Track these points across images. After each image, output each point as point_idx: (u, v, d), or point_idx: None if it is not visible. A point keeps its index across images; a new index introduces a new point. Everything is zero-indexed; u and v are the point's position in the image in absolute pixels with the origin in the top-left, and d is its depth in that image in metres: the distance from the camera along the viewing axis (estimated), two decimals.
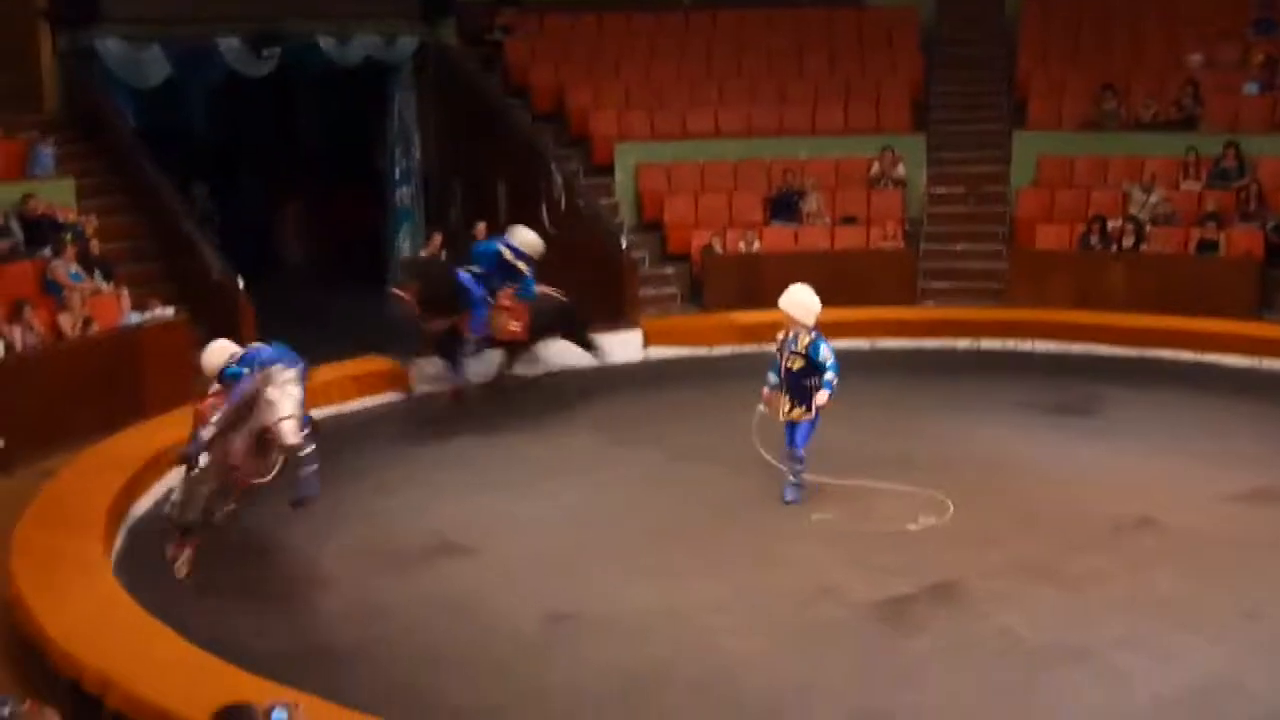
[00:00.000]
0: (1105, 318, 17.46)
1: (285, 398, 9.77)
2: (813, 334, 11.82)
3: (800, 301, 11.93)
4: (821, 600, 9.94)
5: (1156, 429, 13.89)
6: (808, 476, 11.90)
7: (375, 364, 15.83)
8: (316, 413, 12.56)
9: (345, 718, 7.56)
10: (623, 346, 17.36)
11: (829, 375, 11.63)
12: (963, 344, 17.65)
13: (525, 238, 15.83)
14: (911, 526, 11.23)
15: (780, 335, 12.04)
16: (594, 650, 9.26)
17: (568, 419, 14.89)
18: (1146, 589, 9.93)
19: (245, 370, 10.29)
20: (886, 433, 13.69)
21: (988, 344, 17.64)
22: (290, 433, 9.74)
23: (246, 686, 7.48)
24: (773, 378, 12.00)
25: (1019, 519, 11.33)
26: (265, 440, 9.98)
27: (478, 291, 15.10)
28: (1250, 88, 20.38)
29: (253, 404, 9.92)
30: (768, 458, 11.97)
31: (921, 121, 21.67)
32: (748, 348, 17.22)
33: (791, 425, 11.91)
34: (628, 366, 17.13)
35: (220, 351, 10.91)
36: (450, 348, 15.33)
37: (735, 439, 12.65)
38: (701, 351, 17.52)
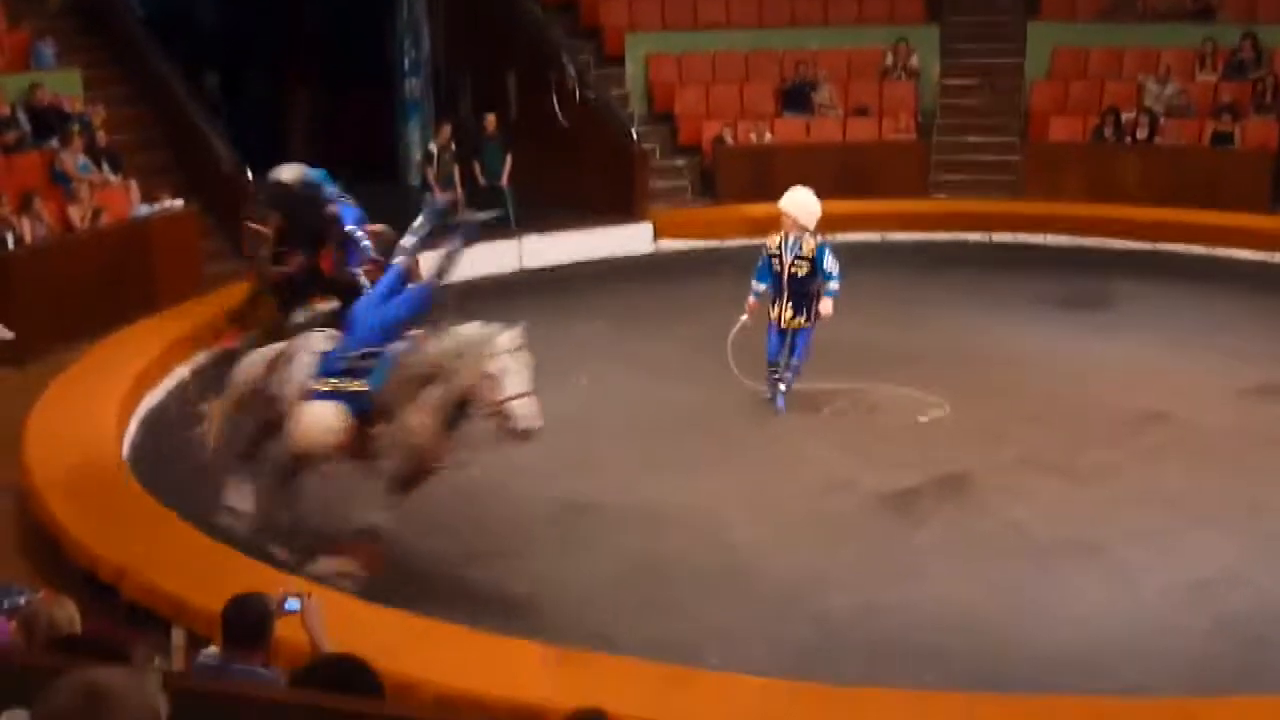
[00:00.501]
0: (1118, 211, 17.37)
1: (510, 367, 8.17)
2: (818, 237, 11.57)
3: (804, 203, 11.64)
4: (831, 492, 10.01)
5: (1168, 323, 13.87)
6: (813, 383, 11.81)
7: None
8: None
9: (358, 608, 7.64)
10: (634, 238, 17.33)
11: (833, 285, 11.37)
12: (974, 237, 17.60)
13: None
14: (921, 419, 11.26)
15: (774, 239, 11.69)
16: (611, 540, 9.33)
17: (580, 310, 14.89)
18: (1155, 483, 9.97)
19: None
20: (897, 326, 13.67)
21: (1000, 237, 17.59)
22: (530, 416, 8.22)
23: (259, 576, 7.56)
24: (759, 285, 11.68)
25: (1029, 413, 11.35)
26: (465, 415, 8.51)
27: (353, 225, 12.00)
28: None
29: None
30: (741, 377, 11.70)
31: (935, 12, 21.38)
32: (759, 240, 17.15)
33: (785, 333, 11.61)
34: (639, 258, 17.12)
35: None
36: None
37: (745, 331, 12.66)
38: (713, 244, 17.45)
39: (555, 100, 18.80)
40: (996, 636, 7.97)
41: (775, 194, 17.85)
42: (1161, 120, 18.50)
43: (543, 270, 16.50)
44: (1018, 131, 19.80)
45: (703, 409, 11.77)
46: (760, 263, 11.72)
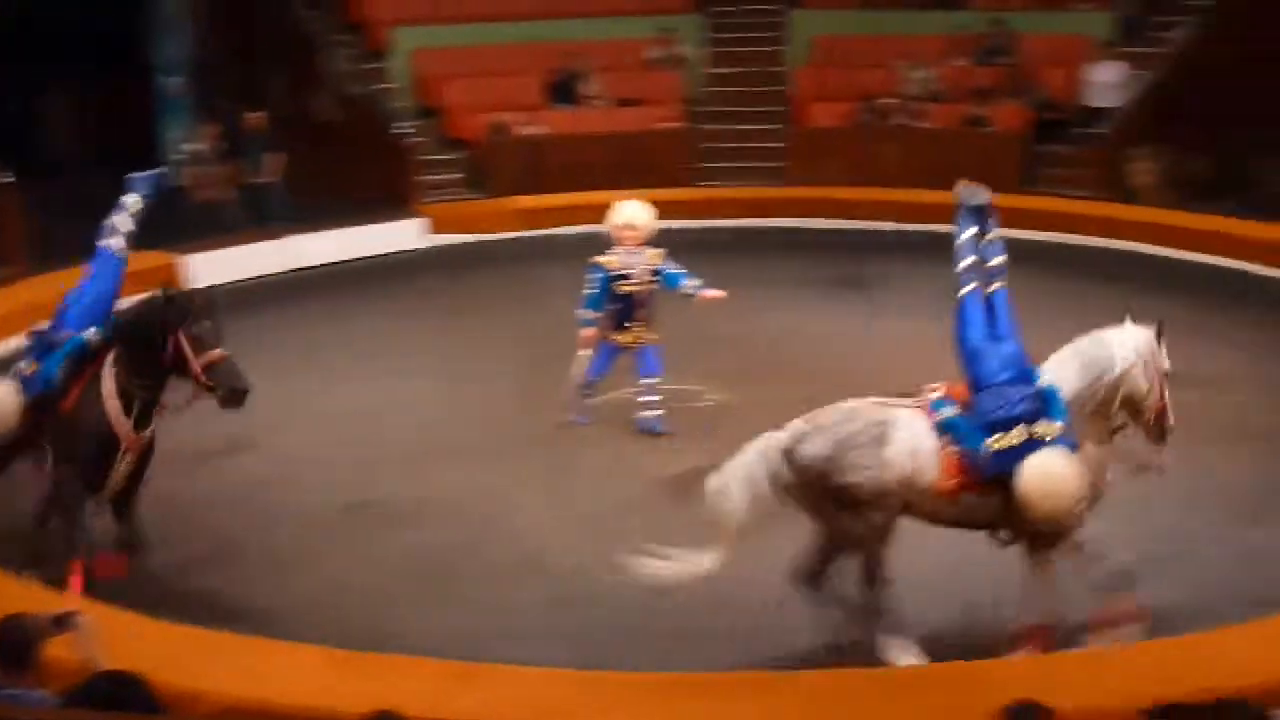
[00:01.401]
0: (880, 194, 17.85)
1: None
2: (657, 250, 11.00)
3: (646, 214, 11.05)
4: (618, 479, 10.07)
5: (933, 302, 14.16)
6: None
7: (150, 259, 15.33)
8: None
9: (137, 622, 7.39)
10: (406, 234, 17.16)
11: (694, 280, 10.90)
12: (743, 223, 17.87)
13: None
14: (702, 403, 11.38)
15: (614, 259, 10.86)
16: (397, 537, 9.25)
17: (353, 310, 14.71)
18: None
19: None
20: (671, 314, 13.79)
21: (768, 222, 17.90)
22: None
23: (22, 596, 7.26)
24: (592, 313, 10.88)
25: (805, 393, 11.49)
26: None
27: None
28: None
29: None
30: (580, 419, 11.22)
31: (699, 2, 21.68)
32: (531, 232, 17.23)
33: (624, 351, 11.10)
34: (412, 254, 16.97)
35: None
36: None
37: (527, 325, 12.68)
38: (486, 237, 17.40)
39: (321, 96, 18.51)
40: (789, 612, 8.11)
41: (547, 186, 18.04)
42: (919, 105, 19.09)
43: (313, 269, 16.20)
44: (782, 118, 20.19)
45: (486, 403, 11.73)
46: (594, 288, 10.88)
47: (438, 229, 17.41)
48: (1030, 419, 7.21)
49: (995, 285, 7.96)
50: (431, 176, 18.87)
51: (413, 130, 19.10)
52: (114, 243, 9.10)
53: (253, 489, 9.97)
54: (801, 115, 20.05)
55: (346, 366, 12.63)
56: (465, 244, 17.32)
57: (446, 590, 8.52)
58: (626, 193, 17.25)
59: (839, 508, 7.28)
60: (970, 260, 8.06)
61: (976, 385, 7.62)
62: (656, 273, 10.88)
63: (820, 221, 17.65)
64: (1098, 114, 18.62)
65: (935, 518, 7.48)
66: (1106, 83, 18.73)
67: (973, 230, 8.14)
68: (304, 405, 11.64)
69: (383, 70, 20.10)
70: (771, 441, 7.42)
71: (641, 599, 8.13)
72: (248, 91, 19.20)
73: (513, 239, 17.27)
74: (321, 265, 16.32)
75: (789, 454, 7.33)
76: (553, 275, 15.61)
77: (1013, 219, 16.60)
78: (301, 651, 7.12)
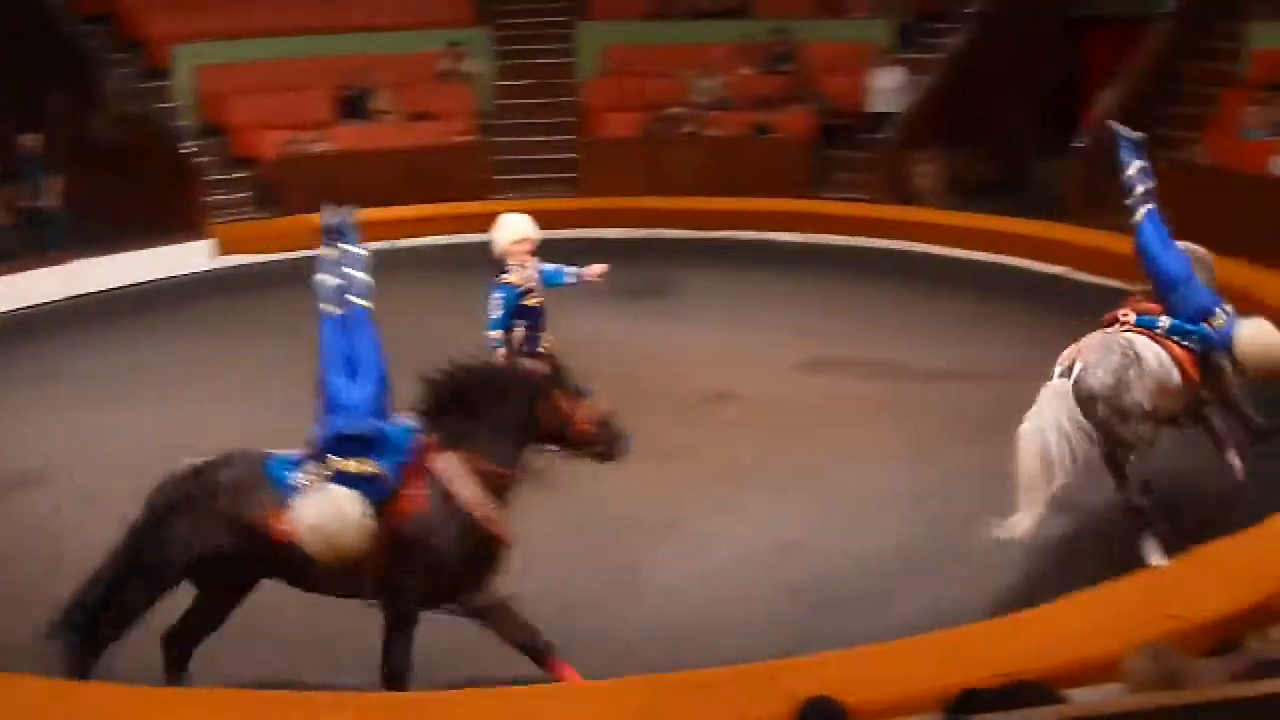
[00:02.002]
0: (674, 202, 18.06)
1: None
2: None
3: (533, 225, 10.69)
4: None
5: (728, 306, 14.53)
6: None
7: None
8: None
9: None
10: (194, 256, 16.78)
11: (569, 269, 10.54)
12: (541, 234, 17.83)
13: None
14: None
15: (523, 273, 10.39)
16: None
17: (146, 330, 14.33)
18: (728, 458, 10.44)
19: None
20: (472, 325, 13.75)
21: (563, 233, 17.91)
22: None
23: None
24: (501, 334, 10.26)
25: (611, 399, 11.62)
26: None
27: None
28: None
29: None
30: None
31: (486, 14, 21.66)
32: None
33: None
34: (200, 276, 16.60)
35: None
36: None
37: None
38: (278, 257, 17.08)
39: (101, 116, 18.00)
40: (604, 617, 8.17)
41: (338, 203, 17.68)
42: (709, 113, 19.37)
43: (98, 294, 15.74)
44: (574, 129, 20.29)
45: (284, 426, 11.49)
46: (506, 305, 10.30)
47: (227, 249, 17.05)
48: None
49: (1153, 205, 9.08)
50: (219, 196, 18.49)
51: (199, 149, 18.69)
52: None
53: (40, 526, 9.61)
54: (593, 126, 20.18)
55: (135, 394, 12.28)
56: (256, 264, 16.98)
57: (249, 622, 8.32)
58: (423, 207, 17.40)
59: (1123, 421, 8.26)
60: (1142, 187, 9.15)
61: (1171, 285, 8.95)
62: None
63: (616, 231, 17.76)
64: (880, 119, 19.13)
65: (1171, 417, 8.69)
66: (887, 88, 19.28)
67: (1137, 163, 9.25)
68: (92, 437, 11.27)
69: (165, 88, 19.61)
70: (1060, 386, 8.37)
71: (456, 623, 8.08)
72: (23, 112, 18.57)
73: (305, 258, 16.96)
74: (107, 290, 15.86)
75: (1081, 389, 8.31)
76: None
77: (805, 223, 17.25)
78: (96, 692, 6.87)
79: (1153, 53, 17.96)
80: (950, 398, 11.59)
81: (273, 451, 7.26)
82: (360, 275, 7.74)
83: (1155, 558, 8.13)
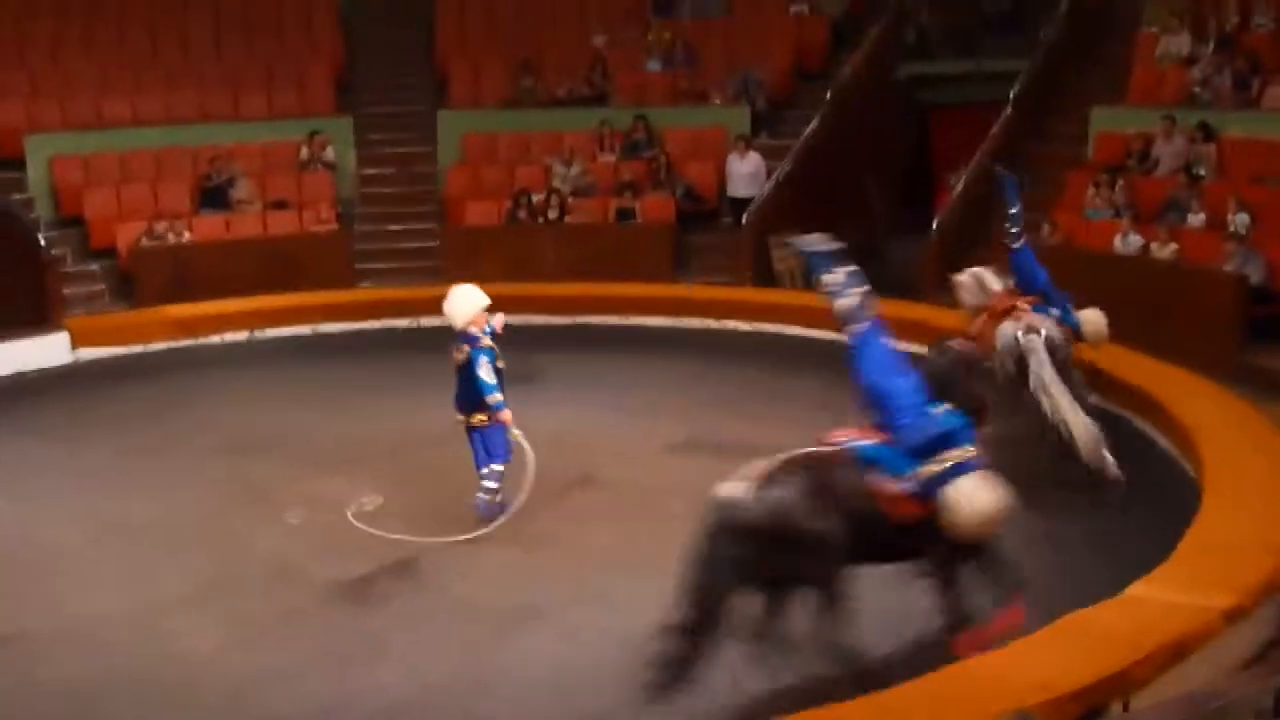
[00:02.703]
0: (537, 288, 18.11)
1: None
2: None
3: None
4: (285, 587, 9.88)
5: (592, 391, 14.60)
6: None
7: None
8: None
9: None
10: (48, 349, 16.48)
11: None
12: (403, 323, 17.86)
13: None
14: (363, 507, 11.28)
15: (489, 340, 10.99)
16: (40, 670, 8.76)
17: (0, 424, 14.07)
18: (590, 545, 10.46)
19: None
20: (333, 416, 13.72)
21: (427, 321, 17.92)
22: None
23: None
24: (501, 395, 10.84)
25: (468, 488, 11.64)
26: None
27: None
28: (653, 64, 21.70)
29: None
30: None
31: (346, 103, 21.74)
32: (184, 342, 16.82)
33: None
34: (56, 370, 16.29)
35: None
36: None
37: (185, 433, 12.37)
38: (136, 349, 16.86)
39: None
40: (460, 708, 8.12)
41: (197, 294, 17.65)
42: (570, 200, 19.55)
43: None
44: (436, 217, 20.35)
45: (147, 513, 11.35)
46: (493, 367, 10.81)
47: (82, 342, 16.75)
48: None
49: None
50: (75, 289, 18.23)
51: (54, 241, 18.43)
52: None
53: None
54: (455, 213, 20.25)
55: None
56: (113, 357, 16.71)
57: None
58: (284, 296, 17.31)
59: (1068, 356, 11.57)
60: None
61: (1044, 287, 11.91)
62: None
63: None
64: (739, 203, 19.47)
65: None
66: (745, 173, 19.63)
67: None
68: None
69: (19, 180, 19.33)
70: (1034, 342, 11.30)
71: (315, 706, 8.00)
72: None
73: (164, 349, 16.79)
74: None
75: (1051, 340, 11.33)
76: (205, 383, 15.32)
77: (668, 306, 17.43)
78: None
79: (999, 136, 18.53)
80: None
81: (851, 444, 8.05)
82: (860, 290, 8.53)
83: (1111, 468, 10.84)
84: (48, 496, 11.84)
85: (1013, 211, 12.55)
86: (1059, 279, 12.56)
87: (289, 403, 14.28)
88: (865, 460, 7.92)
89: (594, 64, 21.55)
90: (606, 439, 12.97)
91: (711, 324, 17.21)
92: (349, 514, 11.11)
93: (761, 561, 7.77)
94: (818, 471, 7.88)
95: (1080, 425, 10.79)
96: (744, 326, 17.25)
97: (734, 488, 7.89)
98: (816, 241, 8.89)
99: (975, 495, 7.64)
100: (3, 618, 9.43)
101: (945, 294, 16.09)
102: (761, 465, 8.00)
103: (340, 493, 11.56)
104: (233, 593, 9.84)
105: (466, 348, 10.92)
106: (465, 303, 11.07)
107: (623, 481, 11.80)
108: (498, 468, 10.99)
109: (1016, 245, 12.47)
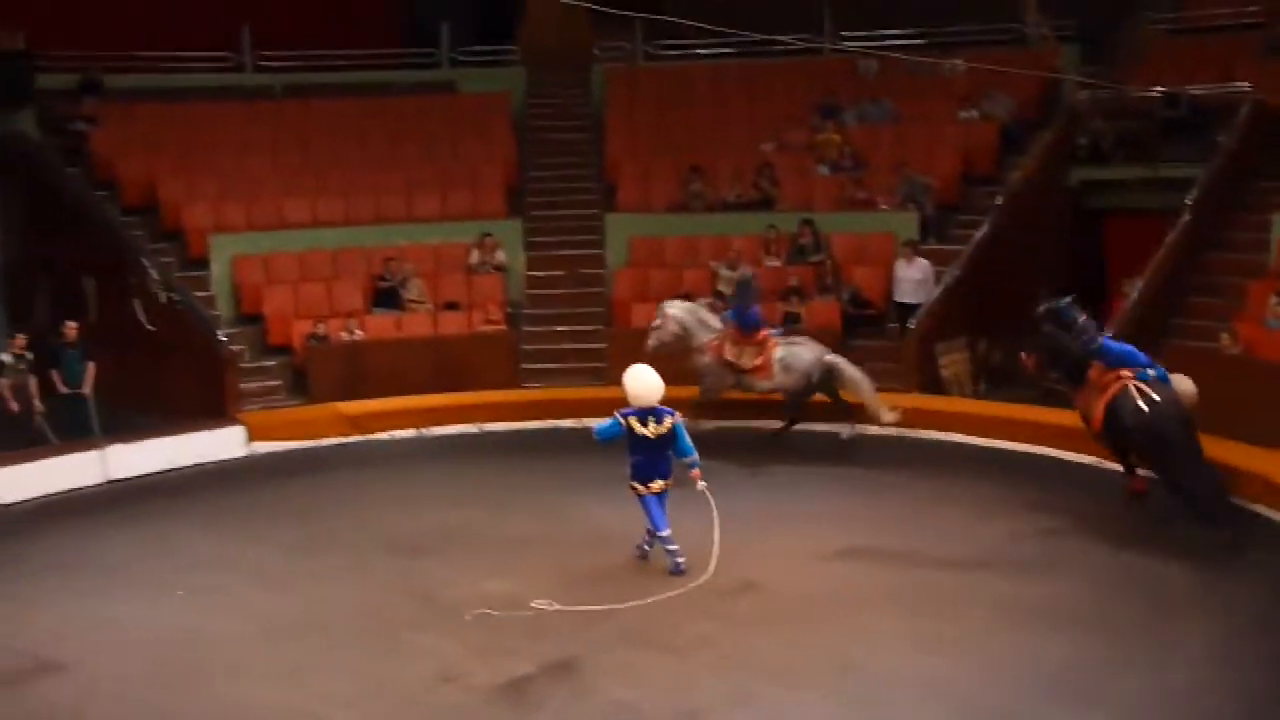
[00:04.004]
0: (694, 390, 18.09)
1: None
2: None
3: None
4: (444, 688, 9.91)
5: (752, 496, 14.51)
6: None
7: None
8: None
9: None
10: (225, 442, 16.94)
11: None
12: (568, 423, 17.99)
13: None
14: (538, 604, 11.31)
15: None
16: None
17: (174, 516, 14.42)
18: (750, 650, 10.33)
19: None
20: (497, 513, 13.82)
21: (591, 422, 17.99)
22: None
23: None
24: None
25: (630, 590, 11.60)
26: None
27: None
28: (822, 169, 21.76)
29: None
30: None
31: (517, 206, 22.15)
32: (354, 438, 17.14)
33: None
34: (233, 463, 16.72)
35: None
36: None
37: (352, 529, 12.56)
38: (309, 444, 17.24)
39: (138, 304, 18.35)
40: None
41: (368, 391, 18.02)
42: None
43: (129, 481, 15.88)
44: (603, 319, 20.53)
45: (311, 610, 11.52)
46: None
47: (257, 436, 17.20)
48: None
49: None
50: (251, 384, 18.74)
51: (233, 337, 19.01)
52: None
53: (54, 717, 9.56)
54: (622, 315, 20.41)
55: (162, 581, 12.29)
56: (286, 451, 17.12)
57: None
58: (452, 395, 17.59)
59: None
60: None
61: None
62: None
63: None
64: (906, 309, 19.30)
65: None
66: (912, 279, 19.48)
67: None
68: (117, 624, 11.28)
69: (202, 277, 20.03)
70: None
71: None
72: (63, 300, 18.99)
73: (335, 445, 17.14)
74: (138, 476, 15.99)
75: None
76: (374, 479, 15.57)
77: (830, 413, 17.27)
78: None
79: (1175, 244, 18.14)
80: (982, 586, 11.50)
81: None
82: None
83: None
84: (215, 588, 12.08)
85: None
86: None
87: (455, 501, 14.45)
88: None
89: (761, 169, 21.67)
90: (767, 544, 12.85)
91: (875, 430, 17.01)
92: (534, 604, 11.19)
93: None
94: None
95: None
96: (909, 433, 17.04)
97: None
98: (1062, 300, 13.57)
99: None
100: (164, 709, 9.60)
101: None
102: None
103: (503, 593, 11.60)
104: (392, 691, 9.89)
105: (669, 419, 11.98)
106: (655, 378, 12.13)
107: (782, 587, 11.65)
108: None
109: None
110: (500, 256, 21.01)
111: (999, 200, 19.97)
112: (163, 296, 18.51)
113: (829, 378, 16.26)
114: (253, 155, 22.20)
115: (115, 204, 20.90)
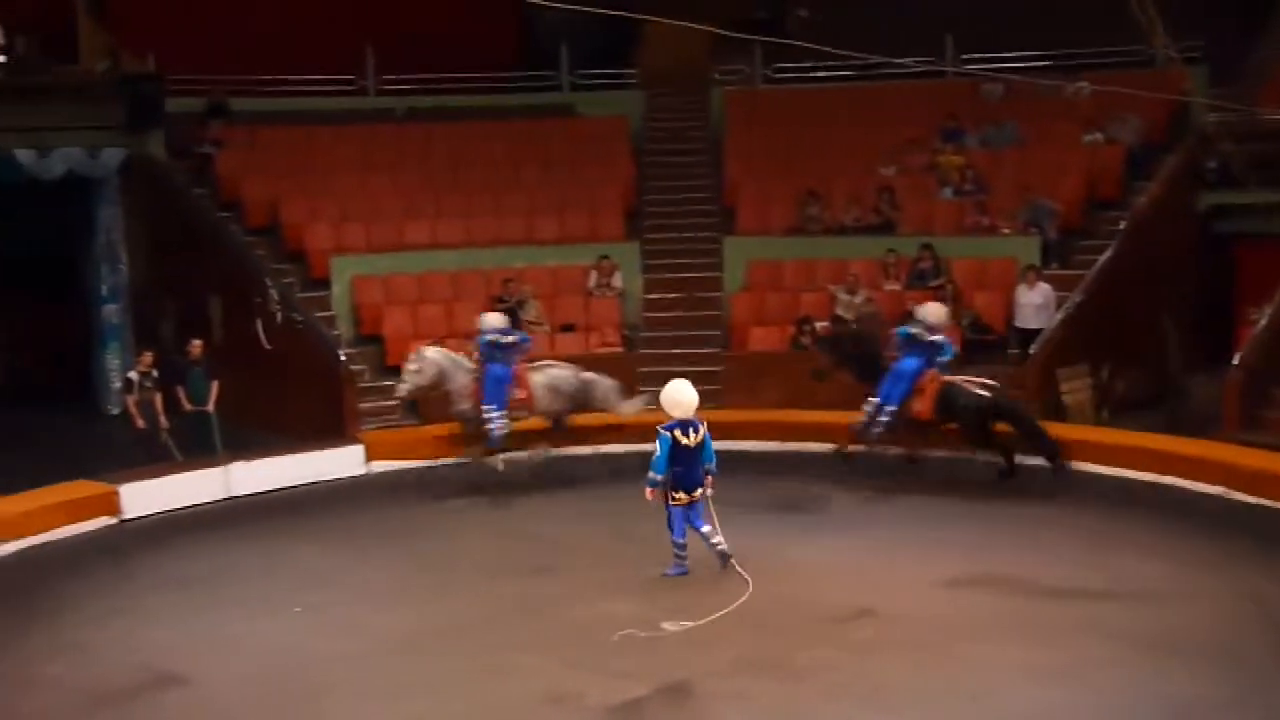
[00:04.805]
0: (818, 416, 17.97)
1: None
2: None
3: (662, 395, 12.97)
4: (554, 708, 9.87)
5: (869, 521, 14.35)
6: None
7: (84, 488, 15.21)
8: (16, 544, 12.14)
9: None
10: (344, 461, 17.11)
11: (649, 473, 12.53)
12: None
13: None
14: (668, 626, 11.26)
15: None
16: None
17: (292, 533, 14.58)
18: (869, 678, 10.16)
19: None
20: (613, 535, 13.78)
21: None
22: None
23: None
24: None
25: (744, 616, 11.50)
26: None
27: None
28: (943, 193, 21.53)
29: None
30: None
31: (635, 229, 22.17)
32: (470, 458, 17.19)
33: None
34: (351, 481, 16.89)
35: None
36: None
37: (468, 548, 12.58)
38: (425, 464, 17.36)
39: (260, 324, 18.63)
40: None
41: None
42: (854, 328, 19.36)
43: (250, 497, 16.10)
44: (719, 342, 20.46)
45: (424, 628, 11.56)
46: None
47: (376, 455, 17.35)
48: None
49: None
50: (370, 404, 18.92)
51: (352, 357, 19.21)
52: None
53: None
54: (739, 339, 20.32)
55: (278, 598, 12.41)
56: (403, 470, 17.25)
57: None
58: (570, 418, 17.59)
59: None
60: None
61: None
62: None
63: (759, 444, 17.73)
64: (1027, 335, 19.00)
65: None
66: (1034, 304, 19.18)
67: None
68: (233, 639, 11.40)
69: (323, 298, 20.29)
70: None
71: None
72: (187, 319, 19.34)
73: (452, 464, 17.23)
74: (258, 493, 16.20)
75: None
76: (491, 499, 15.63)
77: (947, 439, 17.00)
78: None
79: None
80: (1104, 617, 11.22)
81: None
82: None
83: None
84: (329, 606, 12.16)
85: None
86: None
87: (573, 522, 14.45)
88: None
89: (881, 192, 21.49)
90: (882, 570, 12.68)
91: (995, 457, 16.75)
92: (664, 626, 11.17)
93: None
94: None
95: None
96: (1028, 460, 16.73)
97: None
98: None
99: None
100: None
101: (1250, 431, 15.42)
102: None
103: (619, 615, 11.55)
104: (502, 711, 9.86)
105: (701, 429, 12.57)
106: (693, 391, 12.74)
107: (900, 614, 11.46)
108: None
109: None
110: (618, 280, 21.03)
111: (1123, 225, 19.61)
112: (284, 316, 18.77)
113: (587, 394, 16.74)
114: (374, 177, 22.50)
115: (239, 225, 21.29)
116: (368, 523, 14.97)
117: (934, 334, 15.98)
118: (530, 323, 20.10)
